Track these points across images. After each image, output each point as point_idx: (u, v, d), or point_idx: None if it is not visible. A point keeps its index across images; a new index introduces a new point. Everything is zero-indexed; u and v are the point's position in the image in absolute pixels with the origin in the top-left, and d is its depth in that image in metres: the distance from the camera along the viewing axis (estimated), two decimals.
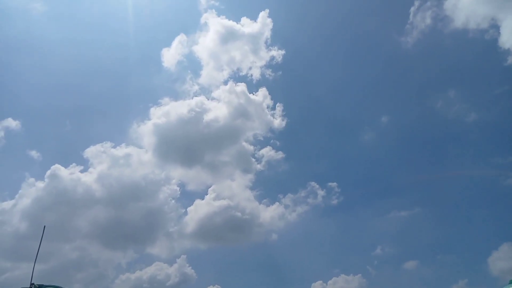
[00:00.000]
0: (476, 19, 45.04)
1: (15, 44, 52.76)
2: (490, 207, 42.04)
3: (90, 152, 44.75)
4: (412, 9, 49.59)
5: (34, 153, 45.59)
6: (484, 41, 45.97)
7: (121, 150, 44.80)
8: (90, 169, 43.36)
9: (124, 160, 44.31)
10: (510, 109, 45.56)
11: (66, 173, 41.67)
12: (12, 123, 45.33)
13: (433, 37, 49.48)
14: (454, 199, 43.96)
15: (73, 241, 40.23)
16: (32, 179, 41.62)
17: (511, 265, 35.12)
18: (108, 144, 44.93)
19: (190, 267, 40.79)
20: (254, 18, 53.76)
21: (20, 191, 40.65)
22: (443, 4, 48.19)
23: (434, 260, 40.23)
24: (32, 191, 40.48)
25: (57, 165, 41.21)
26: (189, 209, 44.66)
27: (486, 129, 46.06)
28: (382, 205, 46.04)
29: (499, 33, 43.53)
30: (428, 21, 48.87)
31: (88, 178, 42.31)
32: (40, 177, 41.50)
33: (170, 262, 40.97)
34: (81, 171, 42.69)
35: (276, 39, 53.20)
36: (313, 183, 46.39)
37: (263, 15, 51.84)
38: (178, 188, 45.35)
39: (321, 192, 45.90)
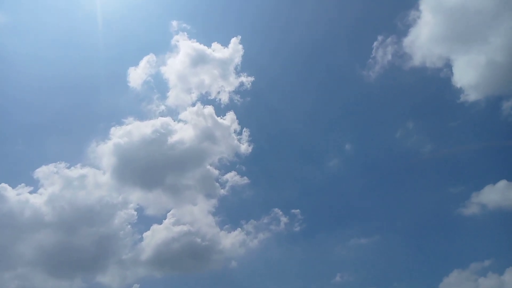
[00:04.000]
0: (431, 58, 48.23)
1: None
2: (443, 234, 43.40)
3: (41, 172, 42.30)
4: (375, 44, 51.85)
5: None
6: (439, 78, 49.28)
7: (76, 171, 42.72)
8: (40, 190, 41.02)
9: (79, 181, 42.22)
10: (462, 141, 48.25)
11: (13, 194, 39.32)
12: None
13: (393, 72, 52.21)
14: (411, 226, 45.04)
15: (13, 268, 37.28)
16: None
17: None
18: (62, 164, 42.83)
19: None
20: (225, 43, 53.89)
21: None
22: (402, 42, 50.62)
23: (391, 287, 40.79)
24: None
25: (2, 185, 38.87)
26: (145, 234, 42.69)
27: (441, 160, 48.01)
28: (343, 232, 46.11)
29: (452, 73, 47.04)
30: (389, 57, 51.40)
31: (37, 200, 39.99)
32: None
33: None
34: (30, 192, 40.36)
35: (246, 65, 53.59)
36: (276, 210, 45.73)
37: (234, 41, 52.37)
38: (135, 213, 43.33)
39: (284, 219, 45.31)
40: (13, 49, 51.69)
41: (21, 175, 46.16)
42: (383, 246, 44.41)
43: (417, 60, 49.28)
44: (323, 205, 49.35)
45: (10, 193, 39.06)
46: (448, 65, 47.26)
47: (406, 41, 50.14)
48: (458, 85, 46.52)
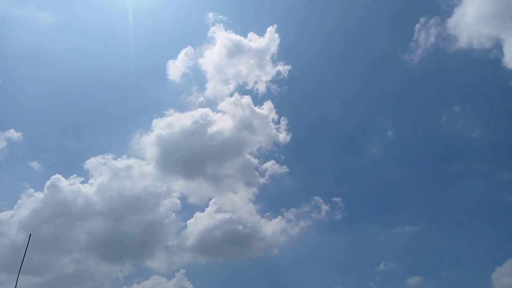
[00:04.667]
0: (479, 39, 45.16)
1: (21, 53, 53.31)
2: (494, 222, 41.22)
3: (90, 163, 44.51)
4: (417, 26, 49.51)
5: (35, 164, 45.38)
6: (488, 60, 46.20)
7: (122, 162, 44.56)
8: (91, 180, 43.13)
9: (125, 172, 44.03)
10: None
11: (66, 184, 41.45)
12: (14, 134, 45.31)
13: (437, 55, 49.58)
14: (459, 214, 43.39)
15: (70, 253, 39.62)
16: (31, 190, 41.32)
17: None
18: (109, 156, 44.77)
19: (189, 282, 39.71)
20: (261, 33, 53.88)
21: (18, 201, 40.29)
22: (446, 23, 47.81)
23: (438, 276, 39.20)
24: (30, 201, 40.16)
25: (57, 175, 41.10)
26: (188, 222, 43.94)
27: (490, 145, 45.41)
28: (386, 220, 45.17)
29: (502, 53, 43.84)
30: (432, 39, 48.86)
31: (88, 190, 42.10)
32: (39, 188, 41.21)
33: (169, 276, 40.04)
34: (82, 182, 42.41)
35: (283, 54, 53.25)
36: (317, 198, 45.44)
37: (270, 30, 52.28)
38: (179, 201, 44.67)
39: (325, 207, 44.99)
40: (60, 47, 54.91)
41: (73, 166, 49.27)
42: (429, 234, 43.21)
43: (463, 42, 46.56)
44: (365, 193, 48.57)
45: (64, 183, 41.25)
46: (498, 46, 44.15)
47: (451, 22, 47.46)
48: (510, 66, 43.45)
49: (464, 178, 45.27)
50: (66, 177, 41.76)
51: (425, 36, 49.18)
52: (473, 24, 45.38)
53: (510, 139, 44.23)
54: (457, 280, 37.98)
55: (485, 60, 46.64)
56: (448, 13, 48.19)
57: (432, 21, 48.57)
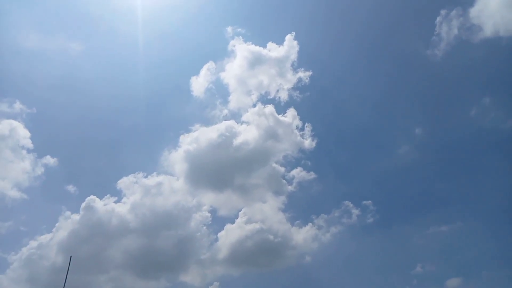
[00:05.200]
0: (505, 26, 43.81)
1: (54, 82, 55.93)
2: None
3: (123, 182, 45.81)
4: (438, 19, 48.46)
5: (70, 187, 47.07)
6: None
7: (153, 179, 45.63)
8: (124, 199, 44.37)
9: (156, 189, 45.03)
10: None
11: (101, 204, 42.79)
12: (50, 160, 47.18)
13: (461, 47, 48.33)
14: (496, 210, 41.37)
15: (107, 272, 40.55)
16: (68, 212, 42.82)
17: None
18: (140, 174, 45.99)
19: None
20: (280, 41, 54.57)
21: (57, 224, 41.92)
22: (469, 13, 46.56)
23: (479, 276, 37.79)
24: (68, 223, 41.59)
25: (91, 197, 42.49)
26: (219, 234, 44.32)
27: None
28: (420, 221, 43.88)
29: None
30: (455, 31, 47.73)
31: (122, 209, 43.27)
32: (76, 210, 42.80)
33: None
34: (115, 202, 43.73)
35: (303, 60, 53.54)
36: (346, 202, 45.10)
37: (289, 38, 52.81)
38: (209, 214, 45.24)
39: (355, 211, 44.45)
40: (89, 73, 57.52)
41: (106, 187, 50.99)
42: (466, 232, 41.68)
43: (488, 31, 45.13)
44: (396, 194, 47.54)
45: (98, 204, 42.66)
46: None
47: (473, 11, 46.19)
48: None
49: (499, 172, 43.44)
50: (100, 198, 43.24)
51: (447, 28, 48.18)
52: (498, 10, 44.16)
53: None
54: (499, 280, 36.31)
55: None
56: (470, 2, 47.41)
57: (453, 12, 47.61)
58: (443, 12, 48.20)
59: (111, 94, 57.41)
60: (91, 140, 55.38)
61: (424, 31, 51.91)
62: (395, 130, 51.74)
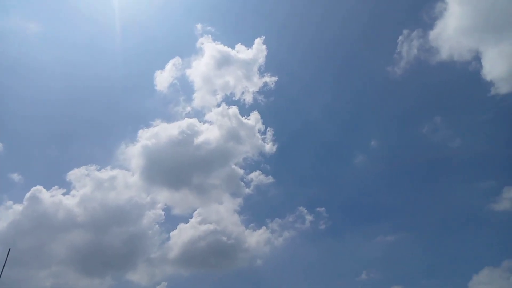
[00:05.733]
0: (459, 51, 47.11)
1: (6, 63, 52.65)
2: (472, 231, 42.41)
3: (73, 174, 43.90)
4: (400, 38, 50.88)
5: (15, 176, 44.45)
6: (467, 72, 48.08)
7: (106, 173, 44.16)
8: (73, 192, 42.49)
9: (109, 183, 43.51)
10: (492, 136, 46.71)
11: (47, 196, 40.82)
12: None
13: (420, 67, 51.24)
14: (438, 223, 44.07)
15: (48, 267, 38.57)
16: (10, 202, 40.39)
17: None
18: (93, 167, 44.30)
19: None
20: (249, 44, 54.99)
21: None
22: (428, 35, 49.53)
23: (418, 284, 39.70)
24: (8, 213, 39.19)
25: (38, 187, 40.41)
26: (172, 233, 43.54)
27: (470, 155, 46.90)
28: (369, 229, 45.60)
29: (481, 65, 45.75)
30: (415, 51, 50.50)
31: (70, 201, 41.44)
32: (19, 200, 40.47)
33: None
34: (63, 194, 41.82)
35: (270, 65, 54.20)
36: (301, 208, 45.92)
37: (258, 41, 53.42)
38: (163, 212, 44.29)
39: (309, 217, 45.36)
40: (46, 56, 54.63)
41: (55, 177, 48.36)
42: (410, 243, 43.86)
43: (444, 54, 48.31)
44: (349, 203, 49.06)
45: (45, 195, 40.65)
46: (477, 58, 46.15)
47: (433, 34, 49.25)
48: (488, 78, 45.28)
49: (444, 187, 46.35)
50: (48, 189, 41.27)
51: (407, 48, 50.78)
52: (454, 36, 47.32)
53: (489, 149, 45.80)
54: None
55: (465, 72, 48.53)
56: (430, 25, 50.08)
57: (414, 33, 50.32)
58: (405, 32, 50.72)
59: (69, 81, 54.80)
60: (43, 127, 52.62)
61: (387, 48, 54.38)
62: (353, 141, 53.69)
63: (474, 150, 46.91)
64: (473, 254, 40.04)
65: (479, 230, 41.81)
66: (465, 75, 48.69)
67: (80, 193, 42.20)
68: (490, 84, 45.01)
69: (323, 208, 45.40)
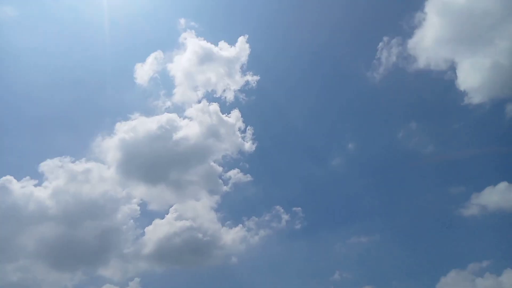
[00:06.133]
0: (436, 60, 48.29)
1: None
2: (441, 234, 43.61)
3: (46, 165, 42.58)
4: (380, 45, 52.07)
5: None
6: (443, 81, 49.45)
7: (81, 165, 43.07)
8: (45, 184, 41.34)
9: (83, 175, 42.57)
10: (464, 144, 48.45)
11: (18, 187, 39.68)
12: None
13: (398, 74, 52.31)
14: (410, 225, 45.29)
15: (15, 260, 37.60)
16: None
17: None
18: (67, 158, 43.15)
19: None
20: (232, 42, 54.25)
21: None
22: (407, 43, 50.70)
23: (389, 285, 40.81)
24: None
25: (7, 177, 39.19)
26: (147, 229, 42.99)
27: (442, 160, 48.34)
28: (344, 230, 46.36)
29: (456, 75, 47.28)
30: (394, 58, 51.58)
31: (42, 193, 40.41)
32: None
33: (122, 285, 38.95)
34: (35, 185, 40.73)
35: (252, 64, 53.91)
36: (278, 207, 46.15)
37: (241, 40, 52.99)
38: (138, 207, 43.65)
39: (285, 217, 45.71)
40: (20, 43, 52.19)
41: (26, 168, 46.78)
42: (382, 244, 44.87)
43: (421, 63, 49.53)
44: (325, 204, 49.77)
45: (15, 185, 39.48)
46: (452, 68, 47.58)
47: (411, 42, 50.36)
48: (462, 88, 46.84)
49: (417, 191, 47.59)
50: (18, 179, 40.11)
51: (387, 54, 51.84)
52: (431, 46, 48.58)
53: (460, 156, 47.60)
54: None
55: (440, 80, 49.90)
56: (409, 34, 51.21)
57: (394, 40, 51.31)
58: (385, 38, 51.87)
59: (45, 69, 52.85)
60: (14, 116, 50.77)
61: (367, 53, 55.44)
62: (331, 143, 54.50)
63: (446, 157, 48.71)
64: (442, 257, 41.44)
65: (448, 234, 43.38)
66: (441, 84, 50.26)
67: (52, 185, 41.23)
68: (464, 93, 46.68)
69: (300, 208, 45.92)
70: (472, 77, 46.06)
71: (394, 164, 50.71)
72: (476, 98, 45.98)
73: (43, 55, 53.54)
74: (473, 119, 48.10)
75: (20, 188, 39.68)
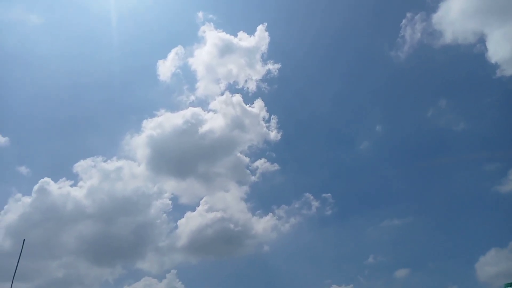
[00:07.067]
0: (463, 34, 46.20)
1: (8, 55, 52.58)
2: (478, 213, 42.81)
3: (80, 166, 43.98)
4: (404, 22, 50.25)
5: (23, 169, 44.72)
6: (472, 55, 47.59)
7: (112, 164, 44.21)
8: (80, 183, 42.63)
9: (115, 173, 43.64)
10: (497, 119, 46.64)
11: (55, 188, 41.08)
12: (1, 139, 44.54)
13: (423, 51, 50.56)
14: (445, 206, 44.39)
15: (59, 258, 39.20)
16: (19, 194, 40.60)
17: (498, 270, 35.92)
18: (99, 158, 44.33)
19: (180, 282, 39.74)
20: (251, 32, 54.15)
21: (5, 207, 39.68)
22: (432, 18, 48.64)
23: (425, 267, 40.34)
24: (18, 206, 39.43)
25: (45, 179, 40.60)
26: (179, 222, 43.93)
27: (475, 138, 46.90)
28: (375, 214, 45.94)
29: (486, 48, 45.03)
30: (418, 35, 49.82)
31: (78, 193, 41.67)
32: (27, 193, 40.58)
33: (160, 277, 39.95)
34: (71, 186, 42.04)
35: (273, 53, 53.65)
36: (307, 195, 46.11)
37: (260, 28, 52.57)
38: (170, 202, 44.60)
39: (315, 203, 45.59)
40: (47, 48, 54.24)
41: (62, 169, 48.98)
42: (416, 226, 44.21)
43: (448, 37, 47.48)
44: (355, 188, 49.35)
45: (53, 187, 40.87)
46: (482, 40, 45.36)
47: (436, 17, 48.36)
48: (493, 60, 44.65)
49: (450, 171, 46.41)
50: (55, 181, 41.45)
51: (411, 32, 50.15)
52: (458, 19, 46.39)
53: (493, 132, 45.98)
54: (443, 271, 39.16)
55: (469, 55, 48.12)
56: (434, 8, 49.55)
57: (418, 16, 49.48)
58: (408, 15, 50.06)
59: (71, 72, 54.62)
60: (47, 120, 52.83)
61: (390, 32, 53.93)
62: (358, 126, 53.60)
63: (479, 133, 46.99)
64: (480, 236, 40.55)
65: (485, 212, 42.29)
66: (470, 58, 48.50)
67: (87, 184, 42.47)
68: (495, 66, 44.58)
69: (329, 194, 45.70)
70: (504, 48, 43.91)
71: (424, 144, 49.54)
72: (508, 70, 43.85)
73: (69, 60, 55.43)
74: (506, 92, 46.01)
75: (58, 189, 41.18)
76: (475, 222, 41.65)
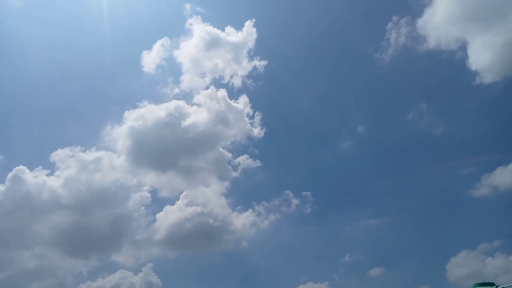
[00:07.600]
0: (446, 40, 47.62)
1: None
2: (450, 216, 44.16)
3: (57, 155, 43.18)
4: (389, 25, 51.22)
5: None
6: (453, 61, 49.17)
7: (91, 154, 43.57)
8: (57, 173, 41.89)
9: (94, 164, 43.00)
10: (475, 125, 48.23)
11: (31, 176, 40.23)
12: None
13: (407, 55, 51.92)
14: (420, 207, 45.81)
15: (31, 248, 38.50)
16: None
17: (467, 271, 37.73)
18: (77, 148, 43.60)
19: (156, 276, 39.82)
20: (239, 27, 54.00)
21: None
22: (417, 23, 49.79)
23: (398, 267, 41.66)
24: None
25: (20, 167, 39.69)
26: (158, 215, 43.71)
27: (452, 142, 48.62)
28: (353, 213, 46.91)
29: (467, 55, 46.68)
30: (403, 39, 51.06)
31: (54, 182, 41.01)
32: (1, 180, 39.34)
33: (136, 270, 39.92)
34: (47, 175, 41.27)
35: (260, 49, 53.81)
36: (287, 192, 46.65)
37: (248, 24, 52.50)
38: (149, 195, 44.28)
39: (295, 201, 46.16)
40: (27, 33, 52.73)
41: (38, 158, 47.81)
42: (392, 226, 45.37)
43: (431, 43, 48.74)
44: (334, 187, 50.14)
45: (28, 175, 40.03)
46: (463, 47, 46.81)
47: (421, 22, 49.46)
48: (473, 68, 46.18)
49: (427, 173, 47.72)
50: (31, 169, 40.62)
51: (396, 35, 51.21)
52: (442, 24, 47.65)
53: (470, 137, 47.37)
54: (416, 271, 40.61)
55: (451, 61, 49.54)
56: (419, 12, 50.69)
57: (403, 20, 50.59)
58: (395, 18, 50.85)
59: (53, 59, 53.38)
60: (26, 107, 51.60)
61: (376, 34, 54.85)
62: (340, 127, 54.54)
63: (456, 138, 48.26)
64: (451, 238, 41.96)
65: (458, 215, 43.64)
66: (451, 64, 49.93)
67: (64, 174, 41.80)
68: (475, 73, 46.09)
69: (309, 192, 46.33)
70: (484, 56, 45.29)
71: (403, 146, 50.68)
72: (488, 78, 45.37)
73: (50, 46, 53.97)
74: (485, 99, 47.54)
75: (33, 178, 40.34)
76: (448, 224, 43.07)
